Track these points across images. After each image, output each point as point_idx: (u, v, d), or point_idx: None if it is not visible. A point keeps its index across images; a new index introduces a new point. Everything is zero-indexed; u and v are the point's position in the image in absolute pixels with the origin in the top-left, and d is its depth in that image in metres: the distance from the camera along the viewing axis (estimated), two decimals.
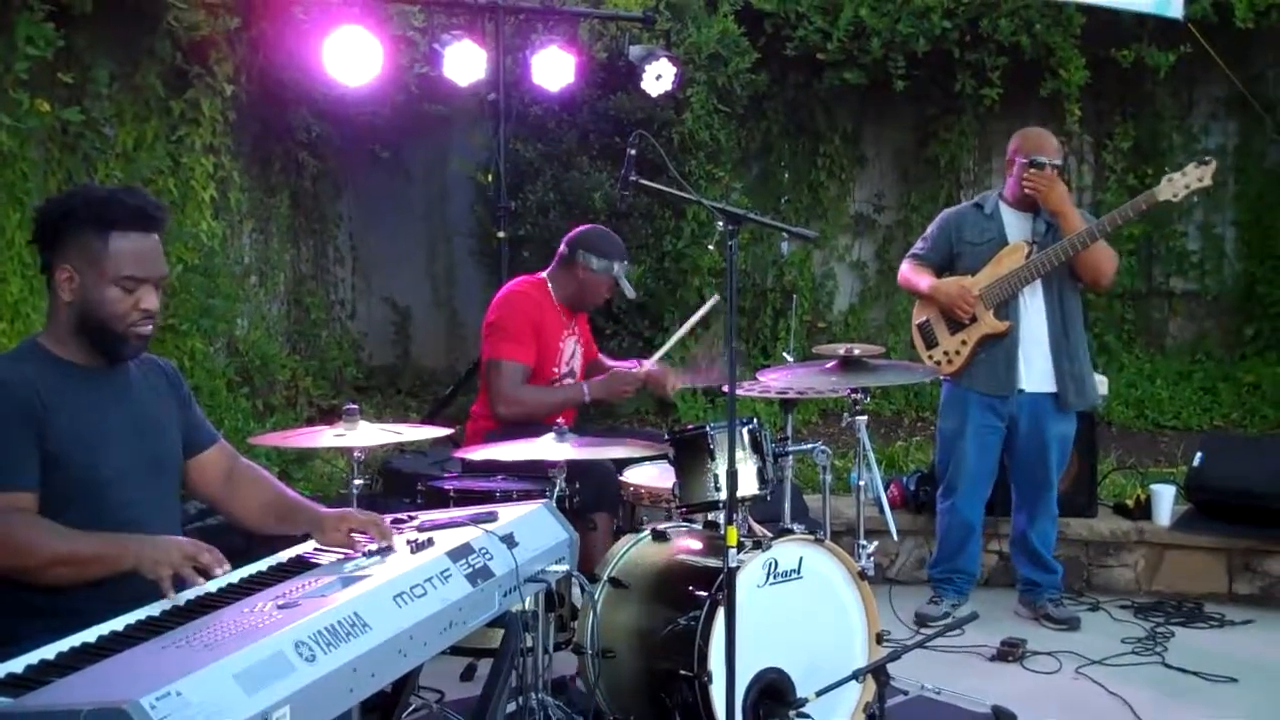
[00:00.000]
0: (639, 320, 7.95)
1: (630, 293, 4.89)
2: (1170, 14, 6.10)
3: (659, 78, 6.76)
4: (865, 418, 4.49)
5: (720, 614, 3.47)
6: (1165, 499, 5.66)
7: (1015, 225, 5.10)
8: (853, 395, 4.45)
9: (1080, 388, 5.08)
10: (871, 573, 4.19)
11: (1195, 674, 4.66)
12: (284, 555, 2.93)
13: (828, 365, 4.46)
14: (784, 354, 4.60)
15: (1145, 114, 8.58)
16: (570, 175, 7.77)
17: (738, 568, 3.50)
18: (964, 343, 5.07)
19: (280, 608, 2.35)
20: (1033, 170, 4.96)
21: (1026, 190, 4.98)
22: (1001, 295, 5.00)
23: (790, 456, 4.35)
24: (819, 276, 8.87)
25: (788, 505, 4.35)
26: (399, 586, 2.54)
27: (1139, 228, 8.30)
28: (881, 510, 4.86)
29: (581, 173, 7.75)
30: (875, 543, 4.46)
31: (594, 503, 4.21)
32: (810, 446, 4.42)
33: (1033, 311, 5.04)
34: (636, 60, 6.85)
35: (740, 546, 3.59)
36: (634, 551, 3.96)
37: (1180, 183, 4.87)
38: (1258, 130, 8.50)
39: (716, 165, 8.09)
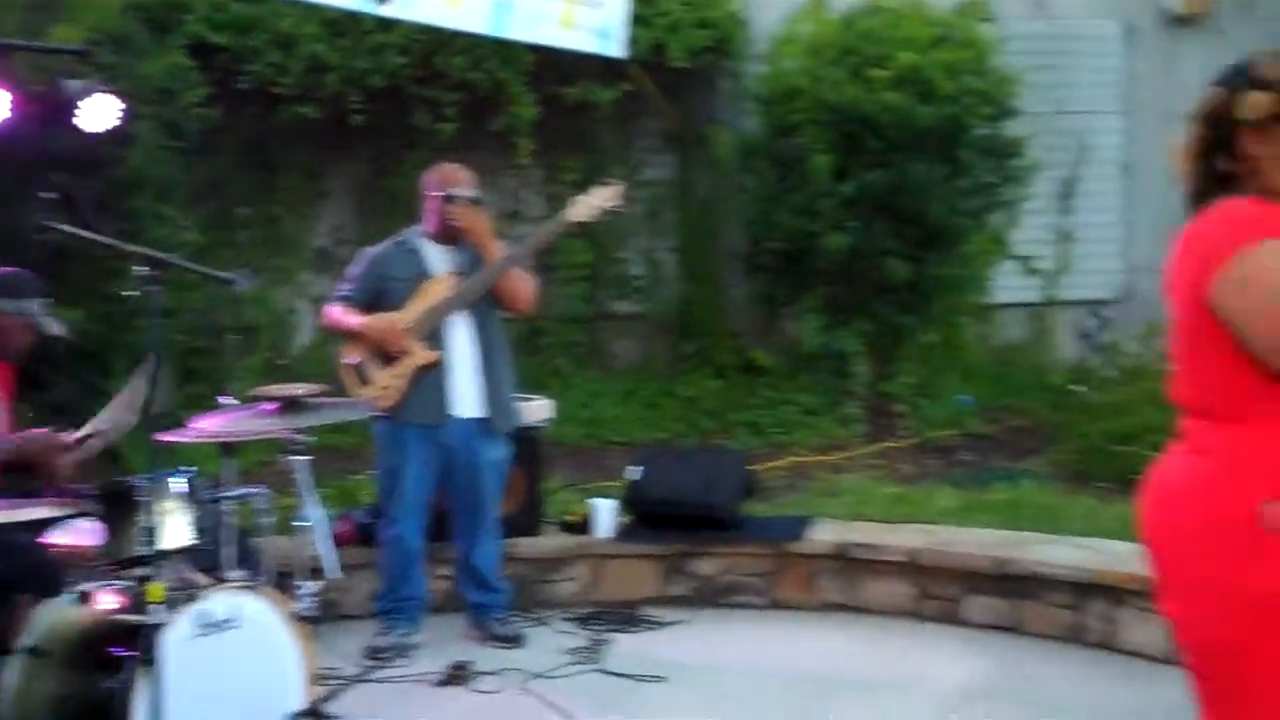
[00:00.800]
0: (84, 368, 7.56)
1: (58, 330, 4.62)
2: (612, 53, 6.53)
3: (98, 113, 6.47)
4: (307, 457, 4.52)
5: (143, 674, 3.42)
6: (604, 512, 6.01)
7: (438, 258, 5.29)
8: (294, 435, 4.46)
9: (505, 411, 5.35)
10: (318, 612, 4.23)
11: (628, 676, 4.98)
12: None
13: (269, 407, 4.46)
14: (217, 398, 4.54)
15: (591, 148, 9.10)
16: (5, 216, 7.29)
17: (161, 624, 3.47)
18: (397, 376, 5.20)
19: None
20: (450, 205, 5.18)
21: (447, 223, 5.20)
22: (429, 326, 5.18)
23: (230, 502, 4.32)
24: (281, 313, 8.78)
25: (230, 552, 4.30)
26: None
27: (586, 255, 8.84)
28: (326, 549, 4.88)
29: (20, 213, 7.29)
30: (321, 582, 4.50)
31: (11, 572, 3.97)
32: (249, 491, 4.42)
33: (459, 340, 5.23)
34: (74, 95, 6.53)
35: (170, 601, 3.56)
36: (56, 616, 3.79)
37: (589, 203, 5.26)
38: (692, 163, 9.24)
39: (166, 203, 7.84)
